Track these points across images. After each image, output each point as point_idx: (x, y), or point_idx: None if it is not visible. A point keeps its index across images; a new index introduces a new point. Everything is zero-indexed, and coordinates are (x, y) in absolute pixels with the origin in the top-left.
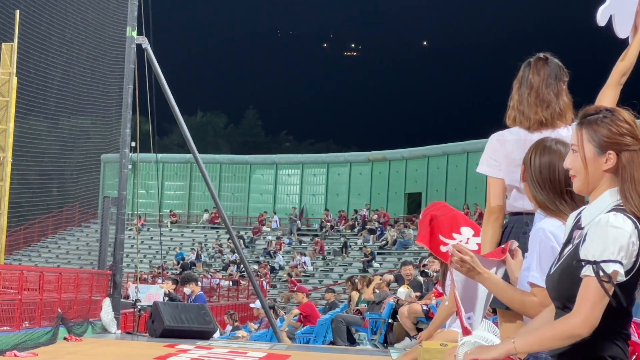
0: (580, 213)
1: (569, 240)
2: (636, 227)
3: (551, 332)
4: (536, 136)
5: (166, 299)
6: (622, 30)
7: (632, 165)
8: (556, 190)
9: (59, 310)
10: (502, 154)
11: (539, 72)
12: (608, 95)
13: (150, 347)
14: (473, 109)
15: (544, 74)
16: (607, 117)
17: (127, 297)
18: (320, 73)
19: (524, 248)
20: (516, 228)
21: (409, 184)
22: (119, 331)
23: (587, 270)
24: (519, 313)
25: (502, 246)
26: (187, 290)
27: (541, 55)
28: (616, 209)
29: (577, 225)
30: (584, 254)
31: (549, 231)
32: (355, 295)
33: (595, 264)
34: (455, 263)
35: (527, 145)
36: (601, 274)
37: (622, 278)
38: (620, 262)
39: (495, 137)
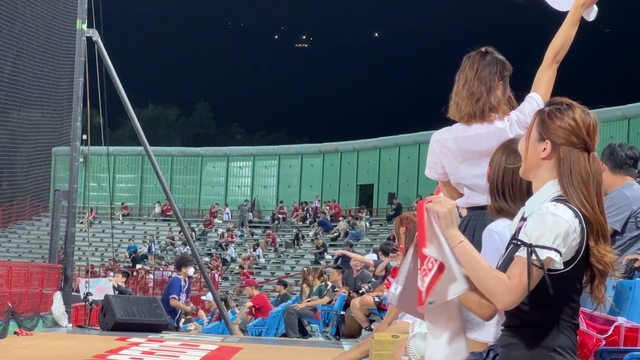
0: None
1: (514, 234)
2: (577, 217)
3: (487, 271)
4: (472, 130)
5: (116, 292)
6: (559, 3)
7: (569, 161)
8: (515, 195)
9: (9, 304)
10: (441, 154)
11: (474, 66)
12: (543, 77)
13: (101, 340)
14: (424, 100)
15: (478, 68)
16: (560, 109)
17: (78, 290)
18: (271, 65)
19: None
20: (472, 221)
21: (360, 176)
22: (70, 325)
23: (520, 252)
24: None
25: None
26: (190, 271)
27: (482, 49)
28: (557, 199)
29: (522, 218)
30: (521, 236)
31: (495, 232)
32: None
33: (530, 246)
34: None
35: (464, 141)
36: (533, 257)
37: (559, 266)
38: (556, 250)
39: (434, 138)
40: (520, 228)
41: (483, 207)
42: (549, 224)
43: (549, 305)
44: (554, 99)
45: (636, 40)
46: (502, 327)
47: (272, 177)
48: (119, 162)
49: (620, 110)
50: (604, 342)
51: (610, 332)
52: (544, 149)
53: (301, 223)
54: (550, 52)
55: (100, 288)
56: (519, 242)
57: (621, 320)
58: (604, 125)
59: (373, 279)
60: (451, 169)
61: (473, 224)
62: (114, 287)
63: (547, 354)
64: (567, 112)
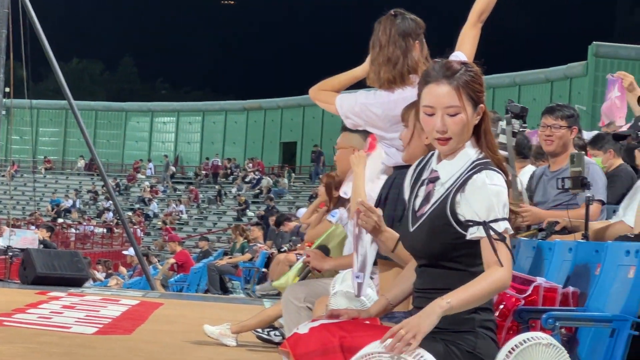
0: (420, 167)
1: (425, 196)
2: (506, 182)
3: (485, 287)
4: (396, 94)
5: (41, 246)
6: None
7: (487, 117)
8: None
9: None
10: (365, 118)
11: (386, 30)
12: (467, 36)
13: (21, 294)
14: (346, 61)
15: (390, 32)
16: (472, 70)
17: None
18: (196, 21)
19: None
20: (398, 179)
21: (284, 133)
22: None
23: (478, 231)
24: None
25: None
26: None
27: (392, 12)
28: (482, 165)
29: (430, 179)
30: (470, 215)
31: None
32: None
33: (484, 224)
34: (362, 219)
35: (390, 106)
36: (492, 233)
37: (511, 232)
38: (507, 219)
39: (359, 101)
40: (430, 193)
41: (408, 166)
42: (494, 196)
43: (473, 265)
44: (446, 67)
45: (558, 4)
46: (419, 290)
47: (196, 134)
48: (43, 115)
49: (544, 74)
50: (522, 302)
51: (529, 292)
52: (478, 114)
53: (224, 179)
54: (474, 12)
55: (26, 238)
56: (471, 223)
57: (540, 280)
58: (527, 87)
59: (294, 237)
60: (379, 132)
61: (399, 182)
62: (40, 240)
63: (469, 314)
64: (476, 69)
